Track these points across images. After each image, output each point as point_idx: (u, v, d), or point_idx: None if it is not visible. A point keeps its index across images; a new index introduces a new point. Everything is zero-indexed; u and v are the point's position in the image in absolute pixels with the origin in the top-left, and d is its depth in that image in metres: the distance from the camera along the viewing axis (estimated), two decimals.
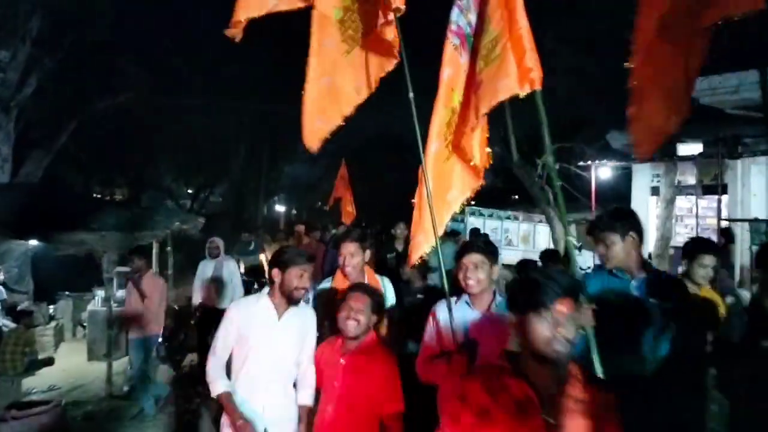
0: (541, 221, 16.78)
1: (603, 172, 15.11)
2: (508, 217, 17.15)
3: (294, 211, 38.62)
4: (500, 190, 36.55)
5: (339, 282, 4.04)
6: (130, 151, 18.76)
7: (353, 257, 4.00)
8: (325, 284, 4.21)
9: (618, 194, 16.79)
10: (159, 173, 22.61)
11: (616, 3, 12.09)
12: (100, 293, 9.11)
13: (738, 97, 9.62)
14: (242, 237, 13.41)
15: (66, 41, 10.31)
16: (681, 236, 14.37)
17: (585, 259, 14.87)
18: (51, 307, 9.93)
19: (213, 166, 23.39)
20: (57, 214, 7.46)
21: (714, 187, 12.19)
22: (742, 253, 11.38)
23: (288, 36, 21.57)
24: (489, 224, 15.92)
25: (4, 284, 9.01)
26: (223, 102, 20.58)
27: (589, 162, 14.92)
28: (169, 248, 10.27)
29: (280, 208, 36.02)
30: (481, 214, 17.34)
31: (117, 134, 16.30)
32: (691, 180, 13.45)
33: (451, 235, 8.86)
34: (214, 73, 19.85)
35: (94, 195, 15.57)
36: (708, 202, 12.96)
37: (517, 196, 30.37)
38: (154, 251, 9.89)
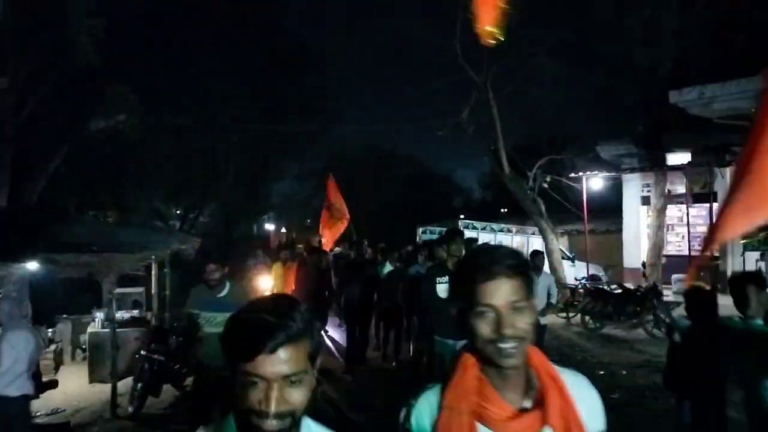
0: (534, 233, 16.94)
1: (594, 182, 15.32)
2: (501, 230, 17.29)
3: (283, 229, 38.58)
4: (490, 204, 36.90)
5: None
6: (120, 173, 18.73)
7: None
8: None
9: (609, 205, 17.02)
10: (148, 195, 22.54)
11: (607, 18, 12.42)
12: (99, 315, 9.07)
13: (725, 106, 9.83)
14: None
15: (60, 67, 10.35)
16: (672, 245, 14.59)
17: (578, 270, 15.02)
18: (50, 330, 9.85)
19: (201, 187, 23.37)
20: (55, 237, 7.46)
21: (704, 195, 12.41)
22: (734, 260, 11.59)
23: (276, 56, 21.78)
24: (483, 237, 16.02)
25: None
26: (211, 122, 20.68)
27: (580, 173, 15.12)
28: (166, 269, 10.23)
29: (269, 227, 36.00)
30: (475, 228, 17.46)
31: (107, 157, 16.28)
32: (681, 189, 13.69)
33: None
34: (202, 94, 19.96)
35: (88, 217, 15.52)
36: (698, 210, 13.20)
37: (506, 209, 30.63)
38: (153, 272, 9.89)
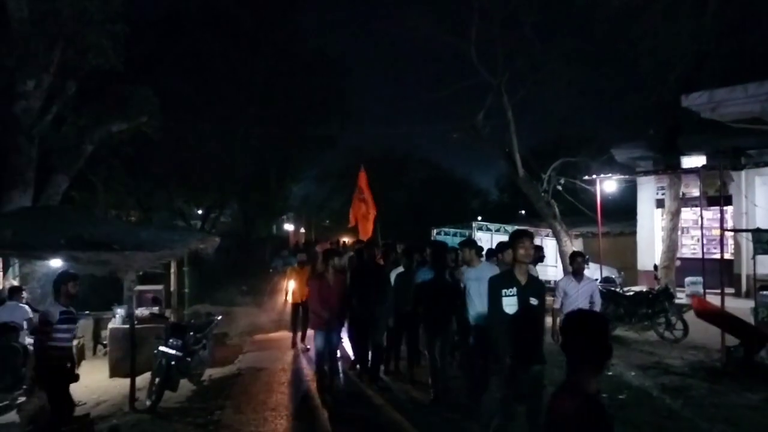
0: (548, 235, 16.96)
1: (608, 185, 15.28)
2: None
3: (302, 230, 38.93)
4: (507, 206, 36.91)
5: None
6: (143, 173, 19.14)
7: None
8: None
9: (623, 207, 17.00)
10: (170, 195, 22.96)
11: (620, 22, 12.46)
12: (120, 311, 9.36)
13: (735, 110, 9.84)
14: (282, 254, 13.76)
15: (85, 69, 10.68)
16: (687, 248, 14.55)
17: (592, 272, 15.00)
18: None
19: (222, 187, 23.73)
20: (78, 236, 7.71)
21: (718, 198, 12.38)
22: (747, 263, 11.56)
23: (296, 60, 22.06)
24: (496, 238, 16.10)
25: (28, 304, 9.25)
26: (232, 124, 21.02)
27: (594, 176, 15.12)
28: (186, 267, 10.50)
29: (288, 227, 36.34)
30: (488, 229, 17.54)
31: (129, 157, 16.67)
32: (696, 192, 13.67)
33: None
34: (223, 97, 20.31)
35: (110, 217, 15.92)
36: (713, 213, 13.16)
37: (524, 211, 30.65)
38: (172, 270, 10.16)
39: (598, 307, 7.30)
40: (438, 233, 17.89)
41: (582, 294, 7.11)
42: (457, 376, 7.54)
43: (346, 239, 23.71)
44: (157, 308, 9.66)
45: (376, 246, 10.98)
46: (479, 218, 23.73)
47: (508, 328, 4.71)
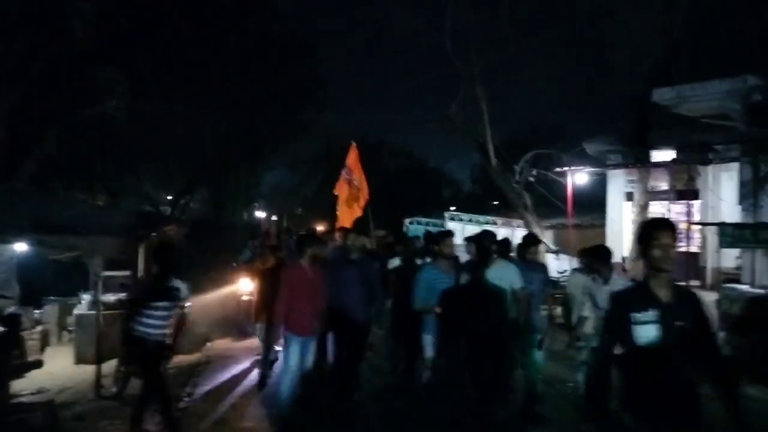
0: (519, 226, 17.12)
1: (579, 177, 15.50)
2: (486, 222, 17.46)
3: (274, 217, 38.64)
4: (480, 197, 37.14)
5: None
6: (111, 157, 18.74)
7: None
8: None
9: (594, 200, 17.23)
10: (138, 180, 22.56)
11: (592, 15, 12.58)
12: (86, 297, 9.18)
13: (703, 105, 10.04)
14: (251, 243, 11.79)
15: (51, 51, 10.39)
16: None
17: (561, 263, 15.21)
18: (37, 311, 9.96)
19: (192, 173, 23.40)
20: (44, 219, 7.53)
21: (686, 192, 12.62)
22: (712, 256, 11.82)
23: (269, 43, 21.79)
24: (468, 229, 16.20)
25: None
26: (202, 108, 20.69)
27: (566, 168, 15.31)
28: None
29: (260, 214, 36.05)
30: (461, 219, 17.64)
31: (97, 141, 16.32)
32: (665, 186, 13.89)
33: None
34: (194, 80, 19.95)
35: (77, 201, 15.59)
36: (681, 207, 13.37)
37: (496, 202, 30.87)
38: (139, 256, 9.98)
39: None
40: (411, 223, 17.92)
41: (575, 288, 6.38)
42: None
43: (321, 227, 23.62)
44: (124, 294, 9.48)
45: (367, 235, 9.38)
46: (452, 208, 23.81)
47: (637, 368, 3.09)
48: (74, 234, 7.61)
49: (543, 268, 7.08)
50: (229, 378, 8.10)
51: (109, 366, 7.89)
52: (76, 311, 9.32)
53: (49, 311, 10.14)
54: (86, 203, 15.45)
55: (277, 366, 7.77)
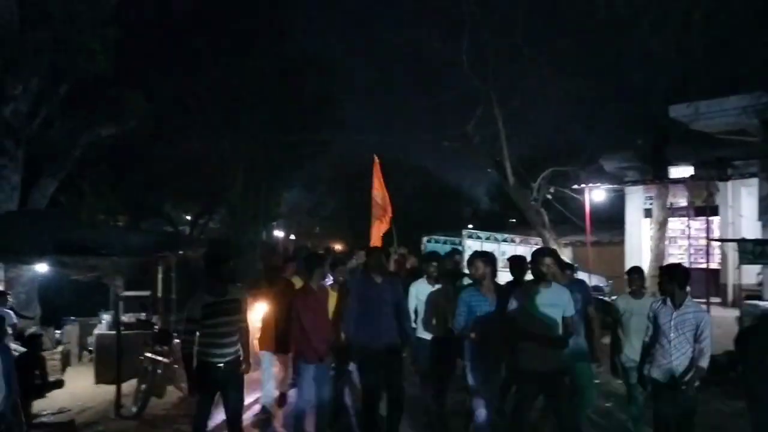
0: (537, 244, 17.02)
1: (597, 194, 15.40)
2: (504, 240, 17.38)
3: (292, 236, 38.84)
4: (498, 214, 37.03)
5: None
6: (131, 178, 19.03)
7: None
8: None
9: (612, 217, 17.11)
10: (158, 200, 22.84)
11: (608, 31, 12.59)
12: (106, 317, 9.29)
13: (721, 121, 9.99)
14: None
15: (75, 73, 10.63)
16: (674, 257, 14.64)
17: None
18: (57, 331, 10.09)
19: (211, 193, 23.64)
20: (65, 240, 7.66)
21: (705, 208, 12.51)
22: (733, 272, 11.66)
23: (288, 66, 22.06)
24: (486, 247, 16.10)
25: (12, 309, 9.17)
26: (221, 129, 20.97)
27: (583, 185, 15.23)
28: (173, 273, 10.45)
29: (278, 234, 36.26)
30: (479, 237, 17.56)
31: (117, 162, 16.58)
32: (683, 202, 13.78)
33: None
34: (212, 102, 20.26)
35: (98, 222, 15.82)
36: (700, 223, 13.27)
37: (514, 220, 30.76)
38: (159, 276, 10.11)
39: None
40: (428, 241, 17.90)
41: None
42: None
43: (338, 246, 23.63)
44: (144, 314, 9.60)
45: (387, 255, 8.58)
46: (470, 226, 23.77)
47: None
48: (95, 254, 7.73)
49: (581, 285, 6.33)
50: (249, 398, 8.08)
51: (129, 386, 7.95)
52: (96, 331, 9.42)
53: (69, 331, 10.26)
54: (107, 224, 15.65)
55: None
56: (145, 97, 12.51)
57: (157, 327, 9.02)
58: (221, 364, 5.02)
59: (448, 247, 14.97)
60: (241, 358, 5.26)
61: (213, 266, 5.08)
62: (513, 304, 4.93)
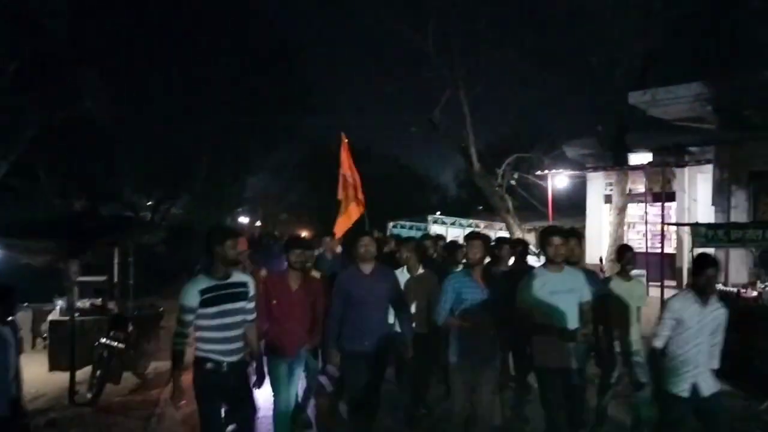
0: (501, 229, 17.19)
1: (559, 181, 15.62)
2: (469, 225, 17.52)
3: (258, 223, 38.51)
4: (465, 201, 37.24)
5: None
6: (90, 162, 18.57)
7: None
8: None
9: (574, 203, 17.37)
10: (118, 185, 22.36)
11: (570, 18, 12.71)
12: (60, 303, 9.08)
13: (678, 108, 10.17)
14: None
15: (24, 50, 10.29)
16: (632, 242, 14.93)
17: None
18: (10, 318, 9.82)
19: (174, 178, 23.23)
20: (17, 222, 7.47)
21: (662, 194, 12.76)
22: (687, 256, 11.96)
23: (254, 50, 21.75)
24: (451, 232, 16.26)
25: None
26: (185, 113, 20.58)
27: (546, 171, 15.41)
28: (131, 258, 10.26)
29: (243, 220, 35.91)
30: (444, 223, 17.69)
31: (75, 145, 16.15)
32: (642, 188, 14.03)
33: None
34: (177, 85, 19.86)
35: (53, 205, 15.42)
36: (657, 209, 13.53)
37: (480, 207, 30.98)
38: (116, 261, 9.92)
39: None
40: (394, 226, 17.94)
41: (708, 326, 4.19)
42: None
43: (306, 233, 23.45)
44: (100, 300, 9.40)
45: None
46: (438, 213, 23.87)
47: None
48: (48, 238, 7.56)
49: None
50: None
51: (84, 372, 7.81)
52: (50, 317, 9.21)
53: (22, 317, 9.98)
54: (62, 207, 15.29)
55: None
56: (102, 78, 12.20)
57: (113, 312, 8.87)
58: (225, 366, 4.11)
59: (413, 233, 15.03)
60: (249, 361, 4.46)
61: (216, 244, 4.12)
62: (524, 293, 4.33)
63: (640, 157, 13.46)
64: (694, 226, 9.08)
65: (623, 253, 5.56)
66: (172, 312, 9.11)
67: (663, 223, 10.21)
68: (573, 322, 4.28)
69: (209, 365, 4.08)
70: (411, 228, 17.87)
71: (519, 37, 14.72)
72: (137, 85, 17.87)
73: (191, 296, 4.04)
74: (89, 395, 7.25)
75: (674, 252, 13.88)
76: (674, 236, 13.99)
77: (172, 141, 20.92)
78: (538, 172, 16.17)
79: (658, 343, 4.19)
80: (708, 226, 8.91)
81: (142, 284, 11.20)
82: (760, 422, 6.16)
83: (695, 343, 4.08)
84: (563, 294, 4.29)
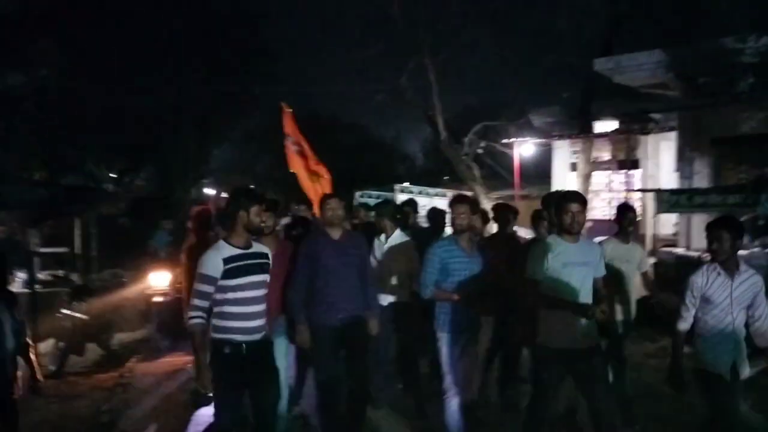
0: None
1: (525, 149, 15.71)
2: (436, 195, 17.54)
3: (224, 194, 38.01)
4: (432, 171, 37.32)
5: None
6: (49, 131, 18.00)
7: None
8: None
9: (540, 171, 17.51)
10: (80, 156, 21.77)
11: None
12: (21, 275, 8.86)
13: (643, 75, 10.25)
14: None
15: None
16: (598, 210, 15.18)
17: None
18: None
19: (137, 149, 22.73)
20: None
21: (627, 162, 12.93)
22: (650, 222, 12.21)
23: (217, 16, 21.20)
24: (419, 201, 16.22)
25: None
26: (147, 81, 20.04)
27: (513, 140, 15.47)
28: (93, 230, 10.06)
29: (209, 191, 35.43)
30: (411, 191, 17.65)
31: (32, 114, 15.61)
32: (607, 156, 14.19)
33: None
34: (137, 51, 19.28)
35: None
36: (623, 176, 13.72)
37: (447, 177, 31.11)
38: (77, 232, 9.71)
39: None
40: (361, 196, 17.86)
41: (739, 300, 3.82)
42: None
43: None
44: (62, 271, 9.22)
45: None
46: (405, 183, 23.90)
47: None
48: (4, 209, 7.33)
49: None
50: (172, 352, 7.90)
51: (48, 345, 7.70)
52: (10, 289, 8.98)
53: None
54: (21, 178, 14.84)
55: None
56: (57, 46, 11.75)
57: (75, 283, 8.71)
58: (244, 345, 3.70)
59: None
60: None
61: (241, 208, 3.73)
62: (535, 263, 3.93)
63: (605, 125, 13.58)
64: (658, 192, 9.24)
65: (625, 214, 5.11)
66: (136, 283, 9.04)
67: (627, 189, 10.37)
68: (585, 298, 3.88)
69: (227, 349, 3.67)
70: (378, 197, 17.80)
71: (484, 2, 14.65)
72: (95, 53, 17.30)
73: (214, 265, 3.62)
74: (52, 367, 7.15)
75: (639, 219, 14.13)
76: (639, 203, 14.23)
77: (134, 111, 20.41)
78: (505, 141, 16.22)
79: (683, 326, 3.86)
80: (671, 191, 9.09)
81: (106, 256, 11.02)
82: None
83: (728, 320, 3.75)
84: (577, 266, 3.87)
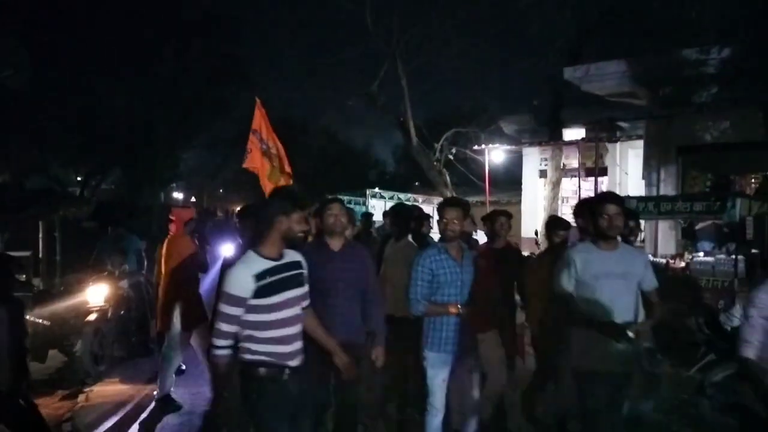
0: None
1: (496, 155, 15.86)
2: (408, 200, 17.60)
3: (193, 198, 37.61)
4: (403, 177, 37.44)
5: None
6: (11, 133, 17.59)
7: None
8: None
9: (510, 178, 17.71)
10: (45, 159, 21.32)
11: None
12: None
13: (611, 83, 10.42)
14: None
15: None
16: (566, 216, 15.38)
17: (480, 239, 15.55)
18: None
19: (104, 152, 22.33)
20: None
21: (594, 169, 13.12)
22: None
23: (188, 20, 20.97)
24: (390, 206, 16.27)
25: None
26: (116, 83, 19.73)
27: (483, 146, 15.61)
28: (56, 234, 9.82)
29: (178, 195, 35.00)
30: (382, 197, 17.71)
31: None
32: (575, 163, 14.41)
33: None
34: (107, 54, 18.98)
35: None
36: (590, 183, 13.91)
37: (418, 183, 31.23)
38: (41, 236, 9.48)
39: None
40: None
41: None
42: None
43: (239, 207, 22.94)
44: (23, 276, 8.96)
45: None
46: (376, 188, 23.95)
47: None
48: None
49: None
50: (138, 359, 7.72)
51: None
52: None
53: None
54: None
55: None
56: (24, 45, 11.50)
57: (37, 288, 8.48)
58: (287, 374, 3.10)
59: (352, 207, 14.96)
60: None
61: (280, 214, 3.13)
62: (563, 275, 3.50)
63: (574, 133, 13.80)
64: (626, 199, 9.36)
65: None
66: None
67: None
68: (624, 315, 3.36)
69: (263, 370, 3.05)
70: (350, 203, 17.81)
71: (459, 9, 14.79)
72: (63, 53, 17.00)
73: (244, 283, 2.97)
74: None
75: None
76: None
77: (102, 114, 20.08)
78: (476, 147, 16.36)
79: (751, 353, 3.04)
80: (639, 199, 9.22)
81: (70, 260, 10.76)
82: (692, 384, 6.36)
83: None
84: (612, 278, 3.36)
